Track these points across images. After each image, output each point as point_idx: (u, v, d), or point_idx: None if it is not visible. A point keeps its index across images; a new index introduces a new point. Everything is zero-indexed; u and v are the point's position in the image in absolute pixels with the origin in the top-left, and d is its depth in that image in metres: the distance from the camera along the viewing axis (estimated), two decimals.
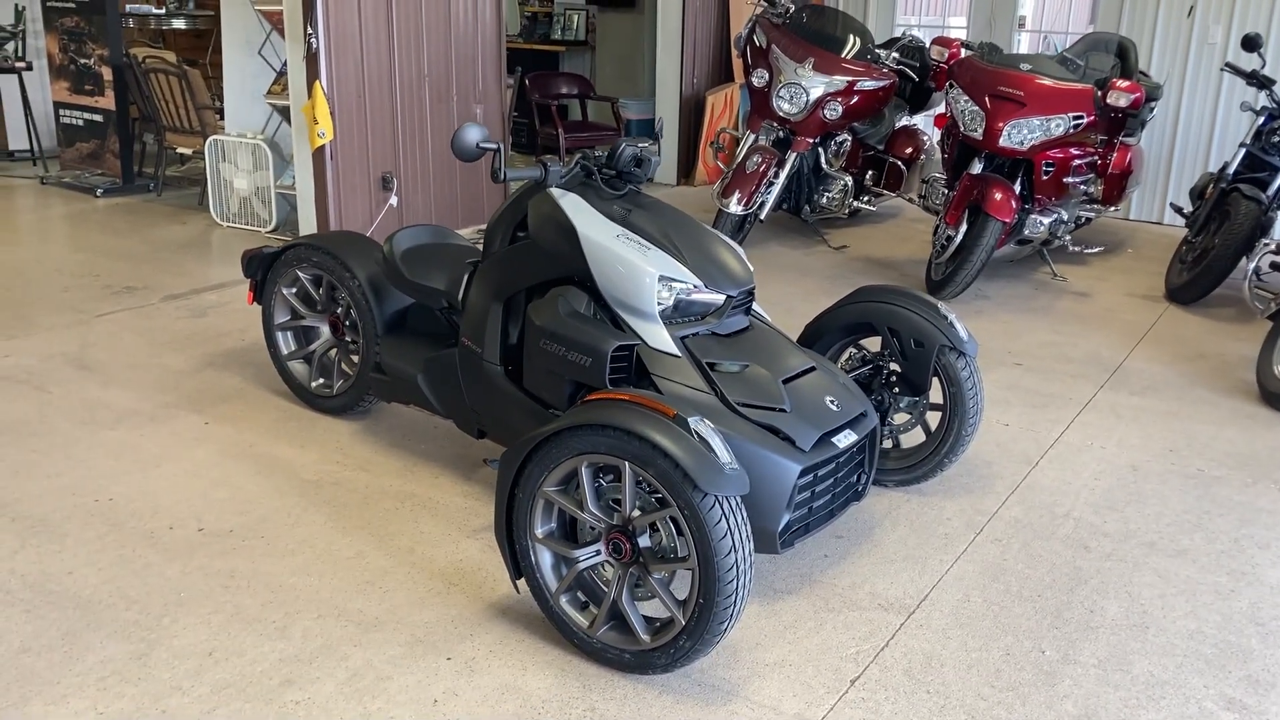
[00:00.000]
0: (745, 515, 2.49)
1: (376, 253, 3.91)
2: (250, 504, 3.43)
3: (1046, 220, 6.10)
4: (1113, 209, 6.97)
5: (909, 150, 7.70)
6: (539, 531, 2.69)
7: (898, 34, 8.68)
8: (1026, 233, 6.12)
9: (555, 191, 3.24)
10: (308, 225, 6.27)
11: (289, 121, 6.82)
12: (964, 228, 5.85)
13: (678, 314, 3.09)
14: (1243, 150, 6.14)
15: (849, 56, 6.69)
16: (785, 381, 3.02)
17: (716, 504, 2.42)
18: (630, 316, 3.07)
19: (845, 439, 3.00)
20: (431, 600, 2.94)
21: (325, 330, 4.13)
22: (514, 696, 2.57)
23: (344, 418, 4.10)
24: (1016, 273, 6.64)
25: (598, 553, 2.65)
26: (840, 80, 6.55)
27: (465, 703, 2.55)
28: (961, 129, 5.97)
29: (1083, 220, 6.75)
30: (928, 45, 7.14)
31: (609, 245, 3.08)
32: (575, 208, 3.19)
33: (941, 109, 6.64)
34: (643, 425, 2.46)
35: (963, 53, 6.24)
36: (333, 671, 2.63)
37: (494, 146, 3.03)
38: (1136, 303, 6.15)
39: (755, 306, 3.34)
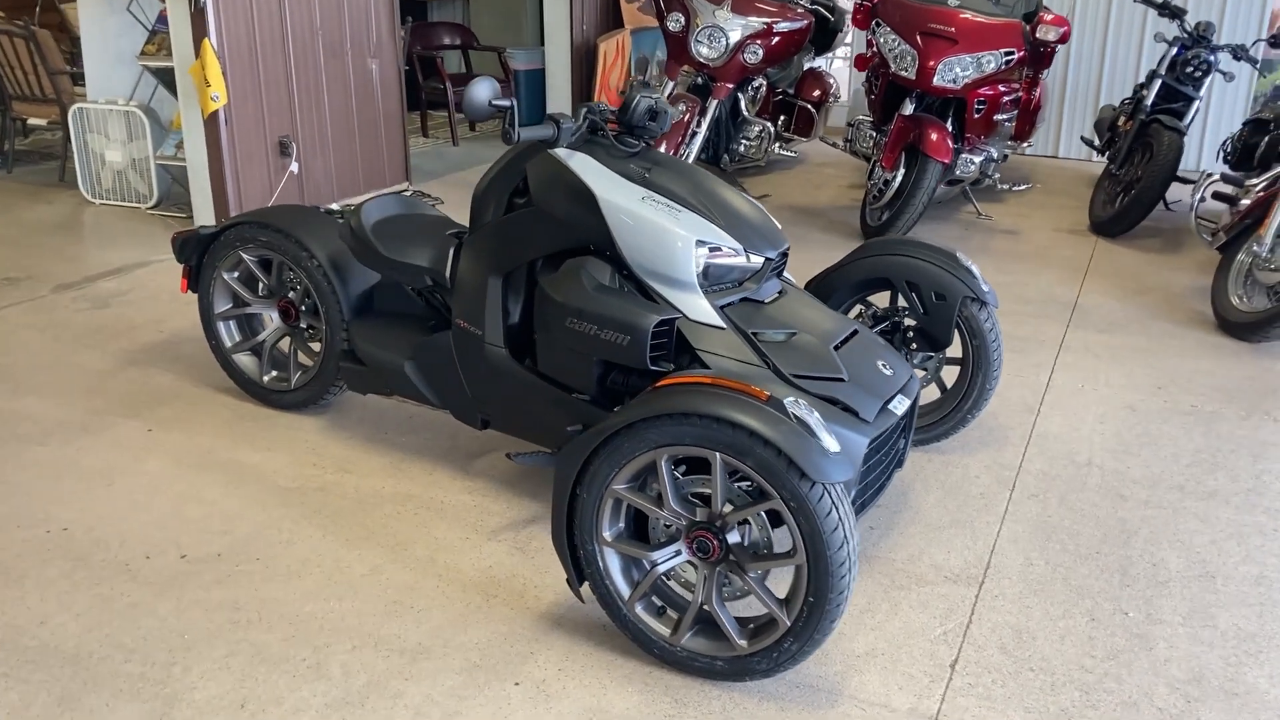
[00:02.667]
0: (849, 502, 2.27)
1: (338, 228, 3.51)
2: (231, 521, 3.03)
3: (978, 159, 6.04)
4: (1025, 145, 6.99)
5: (817, 93, 7.57)
6: (607, 534, 2.41)
7: None
8: (958, 172, 6.04)
9: (561, 152, 2.92)
10: (201, 199, 5.71)
11: (168, 85, 6.21)
12: (901, 171, 5.74)
13: (710, 281, 2.83)
14: (1159, 81, 6.19)
15: None
16: (835, 348, 2.80)
17: (825, 493, 2.19)
18: (664, 287, 2.79)
19: (901, 405, 2.80)
20: (474, 617, 2.63)
21: (274, 317, 3.70)
22: None
23: (306, 413, 3.70)
24: (941, 214, 6.59)
25: (678, 553, 2.39)
26: (758, 21, 6.31)
27: None
28: (891, 68, 5.83)
29: (1001, 157, 6.74)
30: None
31: (635, 209, 2.79)
32: (588, 169, 2.87)
33: (849, 52, 6.50)
34: (736, 412, 2.21)
35: None
36: (391, 713, 2.31)
37: (508, 104, 2.69)
38: (1066, 238, 6.16)
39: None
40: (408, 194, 6.68)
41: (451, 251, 3.18)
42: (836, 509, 2.20)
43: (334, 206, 3.84)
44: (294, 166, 5.94)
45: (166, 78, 6.20)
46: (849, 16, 7.31)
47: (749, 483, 2.36)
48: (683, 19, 6.38)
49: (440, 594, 2.72)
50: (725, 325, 2.76)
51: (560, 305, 2.80)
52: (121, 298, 4.79)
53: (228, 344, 3.73)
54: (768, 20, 6.34)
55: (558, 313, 2.82)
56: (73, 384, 3.89)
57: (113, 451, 3.41)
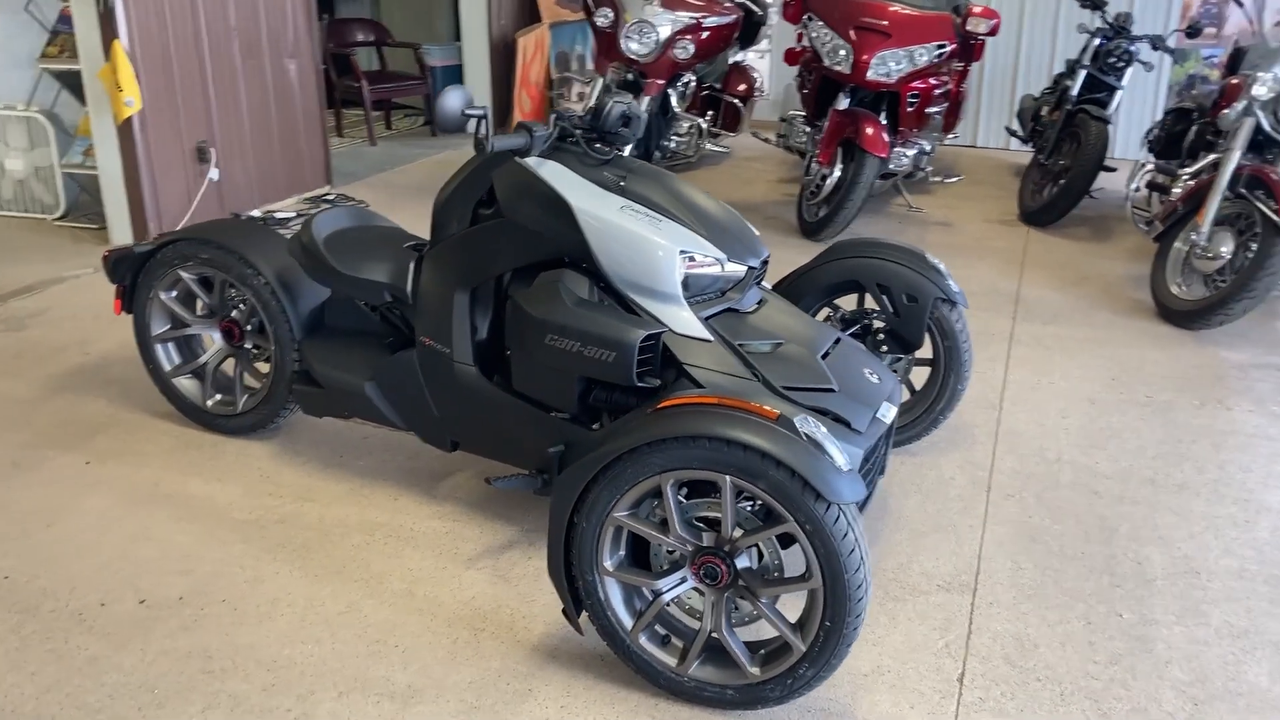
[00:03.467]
0: (860, 521, 2.20)
1: (284, 243, 3.33)
2: (188, 560, 2.84)
3: (911, 152, 6.05)
4: (951, 135, 7.04)
5: (742, 87, 7.54)
6: (608, 563, 2.31)
7: None
8: (892, 166, 6.05)
9: (530, 160, 2.80)
10: (116, 209, 5.41)
11: (72, 89, 5.89)
12: (838, 166, 5.72)
13: (690, 292, 2.74)
14: (1083, 72, 6.28)
15: None
16: (822, 357, 2.73)
17: (841, 514, 2.12)
18: (647, 300, 2.69)
19: (888, 413, 2.75)
20: (464, 654, 2.50)
21: (217, 338, 3.50)
22: None
23: (254, 438, 3.51)
24: (874, 207, 6.60)
25: (683, 580, 2.30)
26: (687, 16, 6.25)
27: None
28: (825, 63, 5.80)
29: (932, 150, 6.77)
30: None
31: (613, 220, 2.68)
32: (561, 178, 2.76)
33: (770, 45, 6.46)
34: (746, 433, 2.12)
35: None
36: None
37: (480, 113, 2.56)
38: (998, 228, 6.22)
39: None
40: (331, 197, 6.48)
41: (412, 266, 3.04)
42: (852, 529, 2.13)
43: (255, 214, 3.65)
44: (214, 173, 5.68)
45: (70, 81, 5.89)
46: (774, 10, 7.28)
47: (752, 503, 2.28)
48: (611, 14, 6.28)
49: (424, 630, 2.58)
50: (711, 338, 2.67)
51: (539, 322, 2.68)
52: (38, 318, 4.51)
53: (167, 367, 3.52)
54: (697, 15, 6.28)
55: (536, 329, 2.69)
56: None
57: (49, 489, 3.18)
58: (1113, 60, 6.26)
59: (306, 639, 2.54)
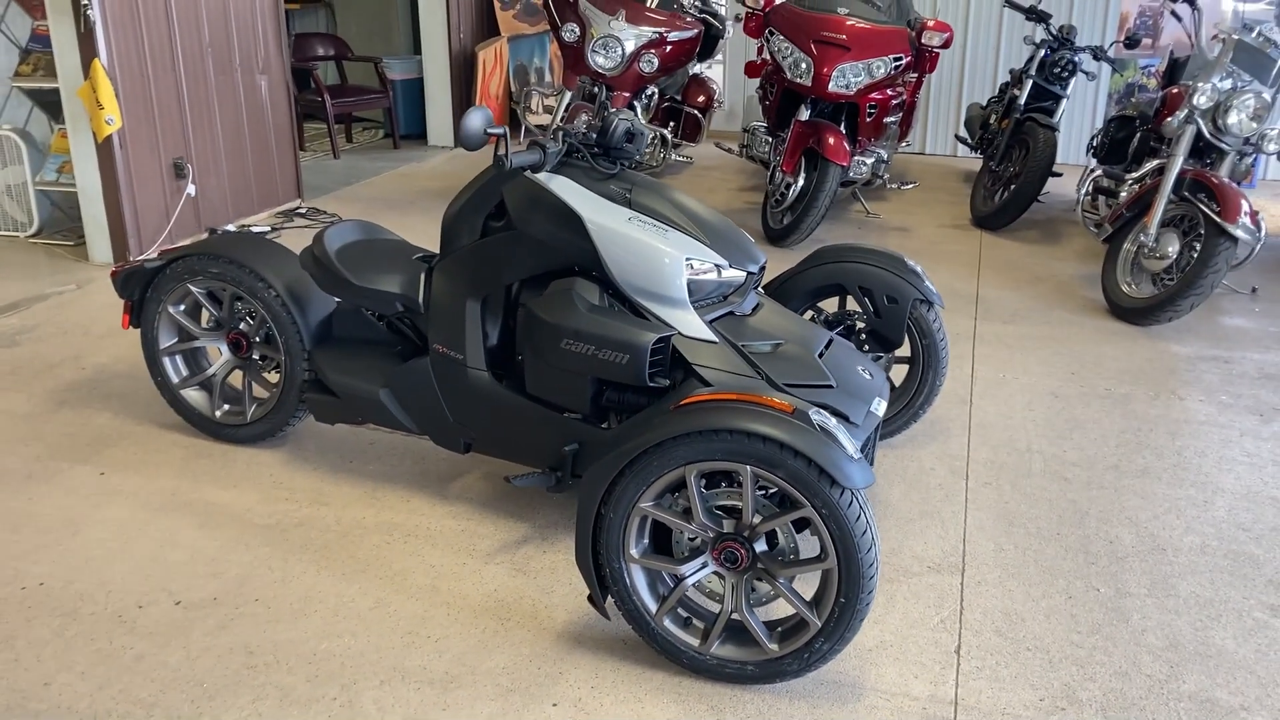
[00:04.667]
0: (870, 505, 2.39)
1: (292, 257, 3.45)
2: (217, 564, 2.96)
3: (869, 160, 6.29)
4: (905, 144, 7.31)
5: (701, 99, 7.74)
6: (634, 551, 2.48)
7: None
8: (852, 174, 6.29)
9: (540, 175, 2.96)
10: (95, 225, 5.47)
11: (45, 107, 5.93)
12: (802, 175, 5.94)
13: (696, 297, 2.91)
14: (1030, 81, 6.57)
15: (654, 5, 6.58)
16: (818, 356, 2.92)
17: (854, 498, 2.31)
18: (655, 305, 2.86)
19: (880, 407, 2.95)
20: (494, 642, 2.65)
21: (223, 350, 3.61)
22: None
23: (263, 446, 3.62)
24: (833, 214, 6.83)
25: (704, 565, 2.47)
26: (651, 31, 6.43)
27: None
28: (787, 75, 6.02)
29: (889, 158, 7.03)
30: None
31: (622, 230, 2.85)
32: (570, 192, 2.92)
33: (725, 57, 6.67)
34: (765, 425, 2.30)
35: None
36: None
37: (500, 132, 2.72)
38: (952, 233, 6.48)
39: None
40: (302, 211, 6.57)
41: (423, 276, 3.18)
42: (864, 512, 2.32)
43: (230, 227, 3.76)
44: (190, 188, 5.75)
45: (43, 99, 5.92)
46: (731, 24, 7.50)
47: (766, 491, 2.46)
48: (578, 29, 6.44)
49: (453, 622, 2.73)
50: (717, 339, 2.85)
51: (555, 327, 2.84)
52: (29, 334, 4.57)
53: (175, 380, 3.62)
54: (660, 29, 6.46)
55: (551, 334, 2.85)
56: (2, 430, 3.71)
57: (68, 499, 3.27)
58: (1058, 70, 6.56)
59: (342, 633, 2.67)
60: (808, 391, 2.80)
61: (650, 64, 6.43)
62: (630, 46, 6.35)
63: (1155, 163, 5.26)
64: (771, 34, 6.14)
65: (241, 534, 3.10)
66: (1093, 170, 5.77)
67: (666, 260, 2.84)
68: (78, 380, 4.11)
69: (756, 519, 2.40)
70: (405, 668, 2.55)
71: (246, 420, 3.58)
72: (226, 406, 3.63)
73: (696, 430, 2.33)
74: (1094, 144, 6.31)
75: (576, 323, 2.82)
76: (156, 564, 2.95)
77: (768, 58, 6.32)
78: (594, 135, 3.00)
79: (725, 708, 2.45)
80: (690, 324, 2.85)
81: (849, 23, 5.97)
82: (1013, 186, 6.34)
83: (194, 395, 3.64)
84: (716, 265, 2.90)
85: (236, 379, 3.72)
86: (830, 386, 2.83)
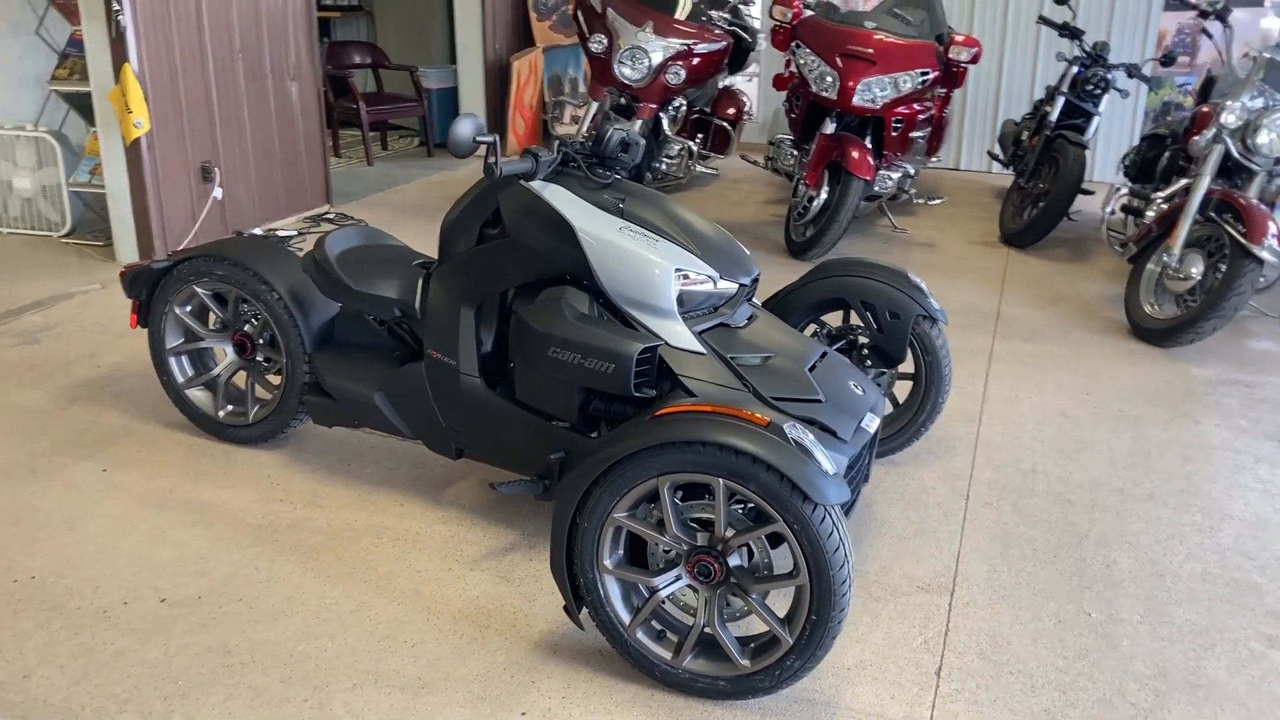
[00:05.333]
0: (845, 522, 2.36)
1: (296, 260, 3.48)
2: (205, 562, 2.98)
3: (895, 175, 6.24)
4: (933, 159, 7.25)
5: (731, 111, 7.73)
6: (608, 562, 2.46)
7: None
8: (877, 188, 6.24)
9: (535, 184, 2.96)
10: (122, 226, 5.56)
11: (80, 110, 6.04)
12: (825, 188, 5.90)
13: (686, 308, 2.90)
14: (1062, 99, 6.49)
15: (683, 18, 6.59)
16: (809, 370, 2.90)
17: (827, 515, 2.28)
18: (644, 315, 2.85)
19: (872, 423, 2.92)
20: (469, 649, 2.65)
21: (228, 351, 3.65)
22: None
23: (264, 447, 3.65)
24: (859, 228, 6.79)
25: (678, 578, 2.45)
26: (679, 43, 6.43)
27: None
28: (813, 89, 6.00)
29: (915, 173, 6.97)
30: (748, 4, 7.14)
31: (612, 240, 2.85)
32: (563, 200, 2.92)
33: (759, 69, 6.66)
34: (739, 438, 2.28)
35: (804, 12, 6.25)
36: None
37: (490, 140, 2.72)
38: (979, 249, 6.41)
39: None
40: (330, 216, 6.64)
41: (420, 282, 3.19)
42: (837, 529, 2.29)
43: (257, 231, 3.80)
44: (217, 192, 5.83)
45: (79, 102, 6.04)
46: (762, 37, 7.48)
47: (744, 506, 2.44)
48: (605, 40, 6.46)
49: (432, 627, 2.73)
50: (705, 351, 2.84)
51: (542, 335, 2.84)
52: (49, 332, 4.65)
53: (180, 379, 3.67)
54: (688, 41, 6.47)
55: (539, 342, 2.85)
56: (14, 425, 3.77)
57: (69, 494, 3.32)
58: (1090, 87, 6.48)
59: (320, 635, 2.69)
60: (795, 406, 2.78)
61: (677, 75, 6.43)
62: (657, 58, 6.36)
63: (1182, 182, 5.17)
64: (798, 47, 6.11)
65: (233, 533, 3.13)
66: (1119, 189, 5.68)
67: (656, 271, 2.83)
68: (91, 378, 4.17)
69: (729, 533, 2.38)
70: (379, 671, 2.56)
71: (249, 421, 3.61)
72: (230, 407, 3.67)
73: (670, 441, 2.32)
74: (1126, 162, 6.22)
75: (564, 331, 2.82)
76: (146, 561, 2.98)
77: (794, 71, 6.30)
78: (590, 144, 3.00)
79: None
80: (678, 335, 2.84)
81: (875, 37, 5.93)
82: (1041, 204, 6.26)
83: (198, 395, 3.68)
84: (707, 276, 2.88)
85: (241, 380, 3.75)
86: (818, 401, 2.80)
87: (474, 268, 3.06)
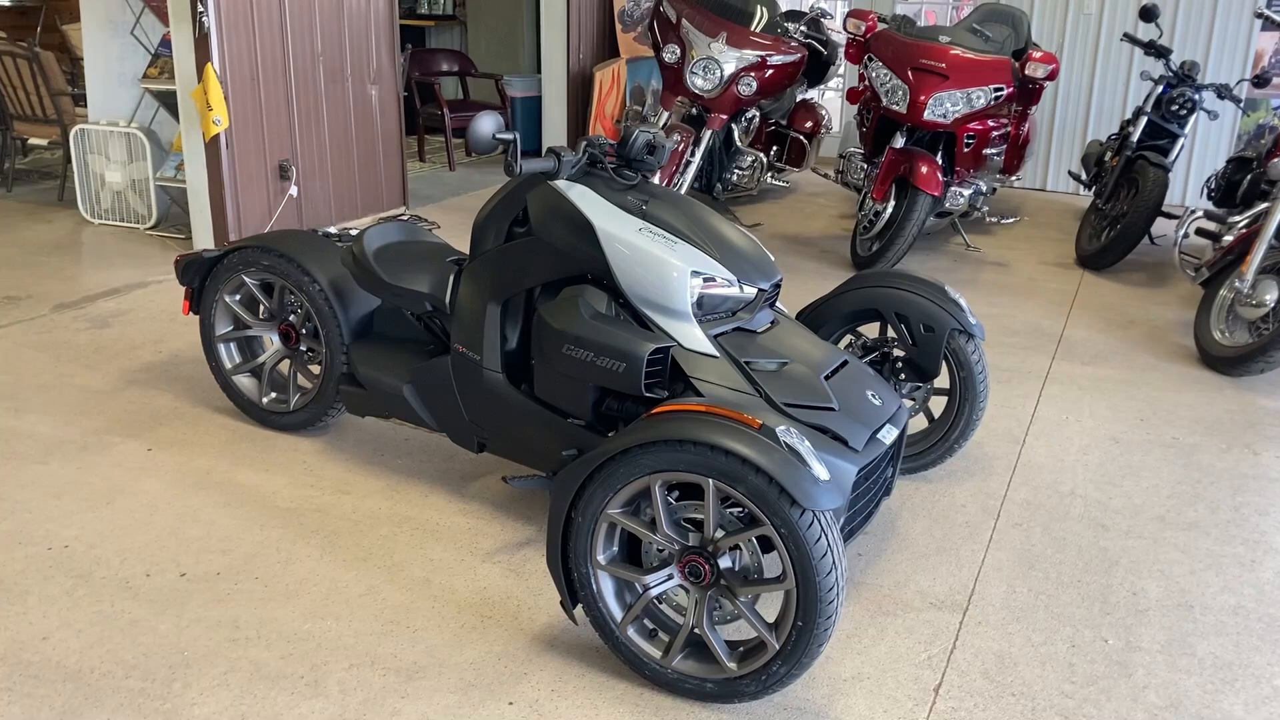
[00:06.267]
0: (839, 529, 2.33)
1: (339, 253, 3.58)
2: (230, 541, 3.08)
3: (966, 192, 6.14)
4: (1013, 178, 7.10)
5: (809, 124, 7.69)
6: (601, 557, 2.47)
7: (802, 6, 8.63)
8: (947, 205, 6.14)
9: (561, 184, 3.00)
10: (200, 221, 5.77)
11: (169, 108, 6.29)
12: (891, 202, 5.83)
13: (704, 311, 2.90)
14: (1145, 118, 6.31)
15: (759, 30, 6.58)
16: (825, 378, 2.87)
17: (815, 520, 2.26)
18: (659, 316, 2.86)
19: (889, 434, 2.87)
20: (469, 638, 2.68)
21: (275, 340, 3.76)
22: None
23: (304, 435, 3.75)
24: (931, 245, 6.69)
25: (670, 577, 2.45)
26: (753, 54, 6.42)
27: None
28: (883, 102, 5.94)
29: (989, 191, 6.85)
30: (829, 17, 7.10)
31: (632, 240, 2.87)
32: (587, 200, 2.95)
33: (841, 83, 6.61)
34: (729, 439, 2.27)
35: (879, 26, 6.20)
36: None
37: (510, 138, 2.77)
38: (1053, 270, 6.26)
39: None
40: (405, 218, 6.79)
41: (451, 278, 3.25)
42: (826, 535, 2.26)
43: (331, 230, 3.91)
44: (293, 190, 6.01)
45: (168, 100, 6.28)
46: (842, 50, 7.43)
47: (740, 509, 2.43)
48: (678, 51, 6.49)
49: (436, 614, 2.77)
50: (718, 354, 2.83)
51: (558, 332, 2.87)
52: (121, 317, 4.85)
53: (228, 365, 3.79)
54: (761, 53, 6.45)
55: (555, 339, 2.88)
56: (73, 403, 3.94)
57: (113, 471, 3.46)
58: (1175, 108, 6.28)
59: (327, 616, 2.75)
60: (807, 412, 2.75)
61: (748, 87, 6.43)
62: (729, 69, 6.36)
63: (1261, 206, 4.98)
64: (871, 60, 6.06)
65: (260, 515, 3.22)
66: (1193, 211, 5.49)
67: (674, 274, 2.83)
68: (152, 362, 4.34)
69: (719, 534, 2.37)
70: (377, 654, 2.61)
71: (290, 408, 3.72)
72: (273, 394, 3.78)
73: (662, 439, 2.32)
74: (1209, 185, 6.02)
75: (578, 329, 2.85)
76: (174, 537, 3.09)
77: (868, 84, 6.24)
78: (616, 146, 3.03)
79: None
80: (692, 337, 2.84)
81: (950, 51, 5.84)
82: (1118, 226, 6.09)
83: (244, 381, 3.80)
84: (724, 280, 2.88)
85: (285, 368, 3.86)
86: (831, 409, 2.77)
87: (501, 265, 3.11)
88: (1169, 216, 6.10)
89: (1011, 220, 6.58)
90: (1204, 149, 7.91)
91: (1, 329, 4.66)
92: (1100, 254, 6.19)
